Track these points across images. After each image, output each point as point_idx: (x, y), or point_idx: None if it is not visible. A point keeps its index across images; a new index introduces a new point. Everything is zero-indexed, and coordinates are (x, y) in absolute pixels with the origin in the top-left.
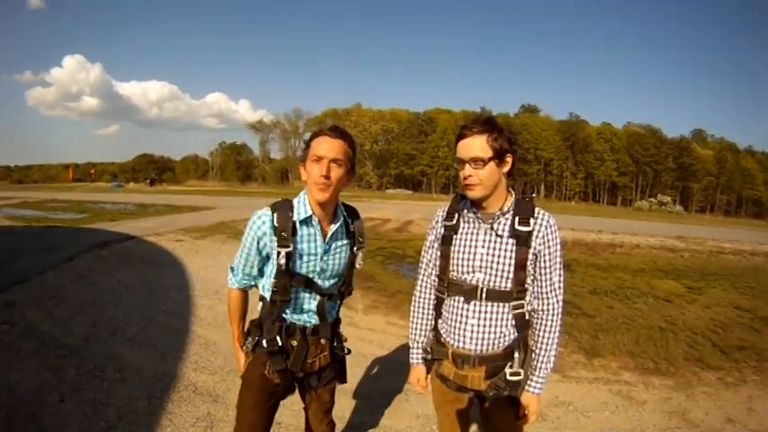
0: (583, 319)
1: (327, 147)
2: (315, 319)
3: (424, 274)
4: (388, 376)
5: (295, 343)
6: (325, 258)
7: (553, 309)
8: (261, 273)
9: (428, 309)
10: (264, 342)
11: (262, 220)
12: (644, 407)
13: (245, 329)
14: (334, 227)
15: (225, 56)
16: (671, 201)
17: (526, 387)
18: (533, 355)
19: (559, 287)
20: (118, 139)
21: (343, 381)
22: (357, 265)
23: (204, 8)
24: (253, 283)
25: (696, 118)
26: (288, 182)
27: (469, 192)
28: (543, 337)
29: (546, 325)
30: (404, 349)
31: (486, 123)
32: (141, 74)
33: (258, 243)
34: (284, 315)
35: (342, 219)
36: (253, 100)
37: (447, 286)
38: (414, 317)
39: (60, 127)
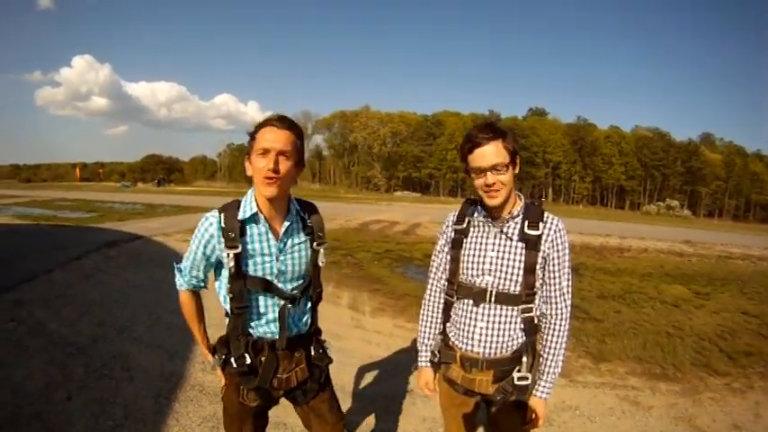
0: (590, 324)
1: (274, 138)
2: (278, 328)
3: (434, 278)
4: (395, 379)
5: (264, 359)
6: (282, 258)
7: (562, 313)
8: (216, 275)
9: (438, 312)
10: (233, 360)
11: (209, 222)
12: (651, 412)
13: (212, 347)
14: (286, 224)
15: (234, 57)
16: (679, 205)
17: (534, 391)
18: (541, 359)
19: (568, 291)
20: (126, 139)
21: (340, 416)
22: (320, 263)
23: (213, 9)
24: (202, 284)
25: (704, 121)
26: (296, 184)
27: (492, 199)
28: (551, 342)
29: (554, 329)
30: (410, 352)
31: (494, 129)
32: (150, 75)
33: (205, 248)
34: (249, 329)
35: (295, 214)
36: (261, 102)
37: (456, 289)
38: (423, 320)
39: (69, 126)
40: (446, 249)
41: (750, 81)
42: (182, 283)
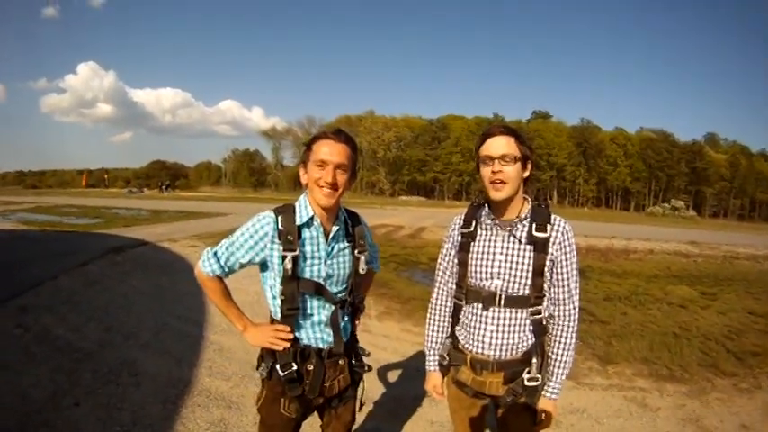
0: (597, 326)
1: (331, 151)
2: (327, 334)
3: (440, 282)
4: (403, 383)
5: (311, 367)
6: (329, 262)
7: (569, 315)
8: (263, 278)
9: (444, 316)
10: (279, 368)
11: (266, 222)
12: (658, 414)
13: (259, 356)
14: (335, 228)
15: (238, 63)
16: (684, 206)
17: (543, 392)
18: (550, 360)
19: (576, 293)
20: (131, 145)
21: (353, 422)
22: (361, 270)
23: (217, 16)
24: (229, 273)
25: (708, 122)
26: (301, 188)
27: (496, 192)
28: (560, 343)
29: (562, 331)
30: (418, 356)
31: (510, 128)
32: (155, 81)
33: (255, 244)
34: (297, 335)
35: (342, 220)
36: (266, 107)
37: (465, 293)
38: (430, 324)
39: (74, 133)
40: (452, 253)
41: (754, 80)
42: (209, 268)
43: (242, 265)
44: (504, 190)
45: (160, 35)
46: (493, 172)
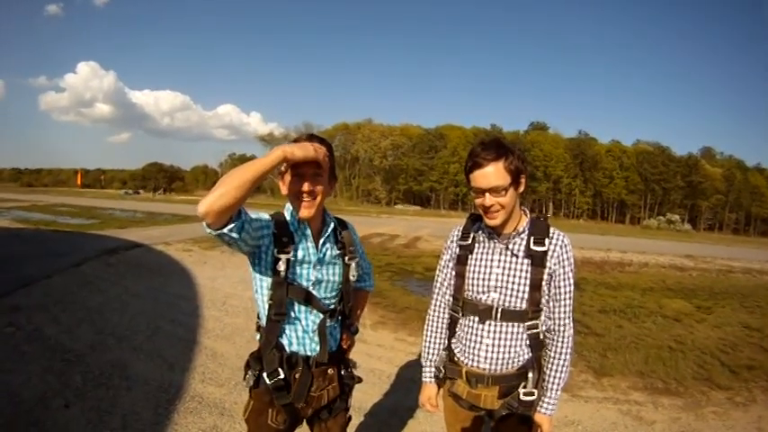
0: (592, 338)
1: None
2: (315, 342)
3: (438, 294)
4: (397, 393)
5: (299, 375)
6: (319, 267)
7: (565, 329)
8: (256, 278)
9: (442, 328)
10: (266, 376)
11: (267, 218)
12: (653, 427)
13: (246, 363)
14: (325, 233)
15: (238, 68)
16: (679, 219)
17: (538, 407)
18: (545, 375)
19: (571, 307)
20: (129, 146)
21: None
22: (351, 277)
23: (219, 20)
24: (241, 219)
25: (704, 136)
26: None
27: (490, 220)
28: (556, 358)
29: (559, 345)
30: (413, 366)
31: (498, 148)
32: (154, 83)
33: (260, 222)
34: (283, 341)
35: (332, 226)
36: (264, 113)
37: (462, 306)
38: (427, 336)
39: (72, 132)
40: (450, 265)
41: (751, 95)
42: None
43: (250, 225)
44: (499, 217)
45: (161, 37)
46: (484, 206)
